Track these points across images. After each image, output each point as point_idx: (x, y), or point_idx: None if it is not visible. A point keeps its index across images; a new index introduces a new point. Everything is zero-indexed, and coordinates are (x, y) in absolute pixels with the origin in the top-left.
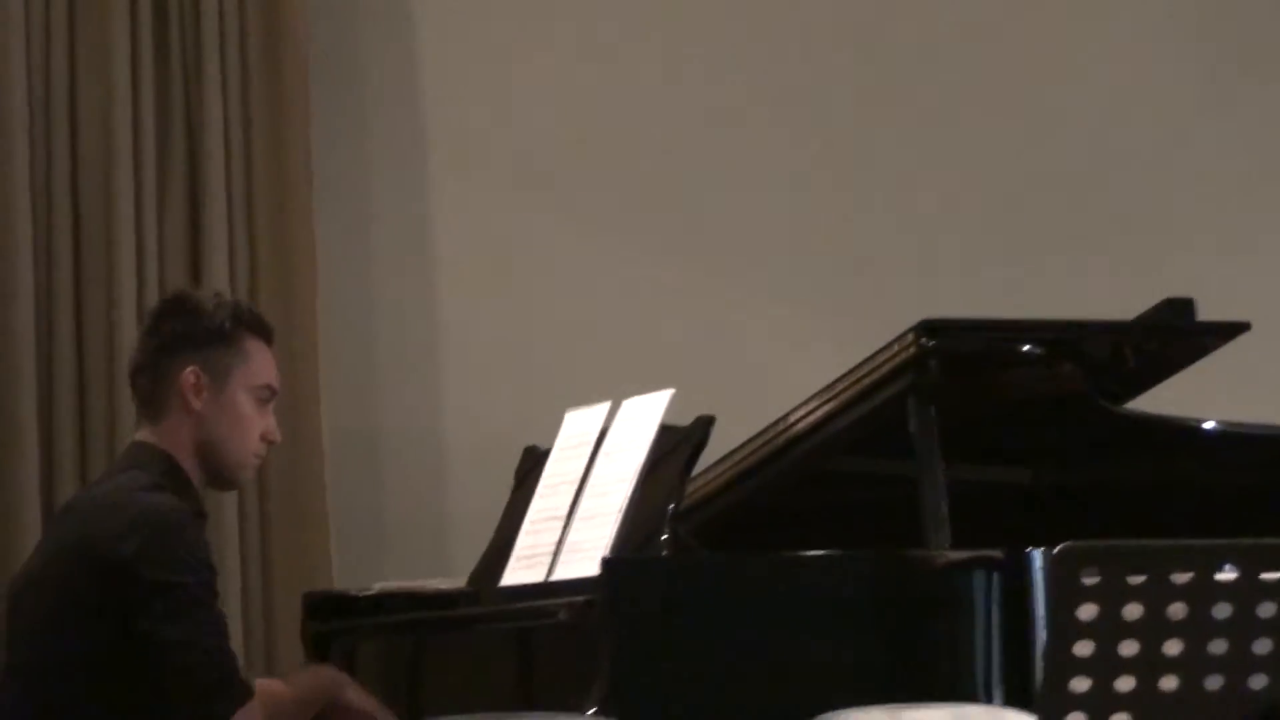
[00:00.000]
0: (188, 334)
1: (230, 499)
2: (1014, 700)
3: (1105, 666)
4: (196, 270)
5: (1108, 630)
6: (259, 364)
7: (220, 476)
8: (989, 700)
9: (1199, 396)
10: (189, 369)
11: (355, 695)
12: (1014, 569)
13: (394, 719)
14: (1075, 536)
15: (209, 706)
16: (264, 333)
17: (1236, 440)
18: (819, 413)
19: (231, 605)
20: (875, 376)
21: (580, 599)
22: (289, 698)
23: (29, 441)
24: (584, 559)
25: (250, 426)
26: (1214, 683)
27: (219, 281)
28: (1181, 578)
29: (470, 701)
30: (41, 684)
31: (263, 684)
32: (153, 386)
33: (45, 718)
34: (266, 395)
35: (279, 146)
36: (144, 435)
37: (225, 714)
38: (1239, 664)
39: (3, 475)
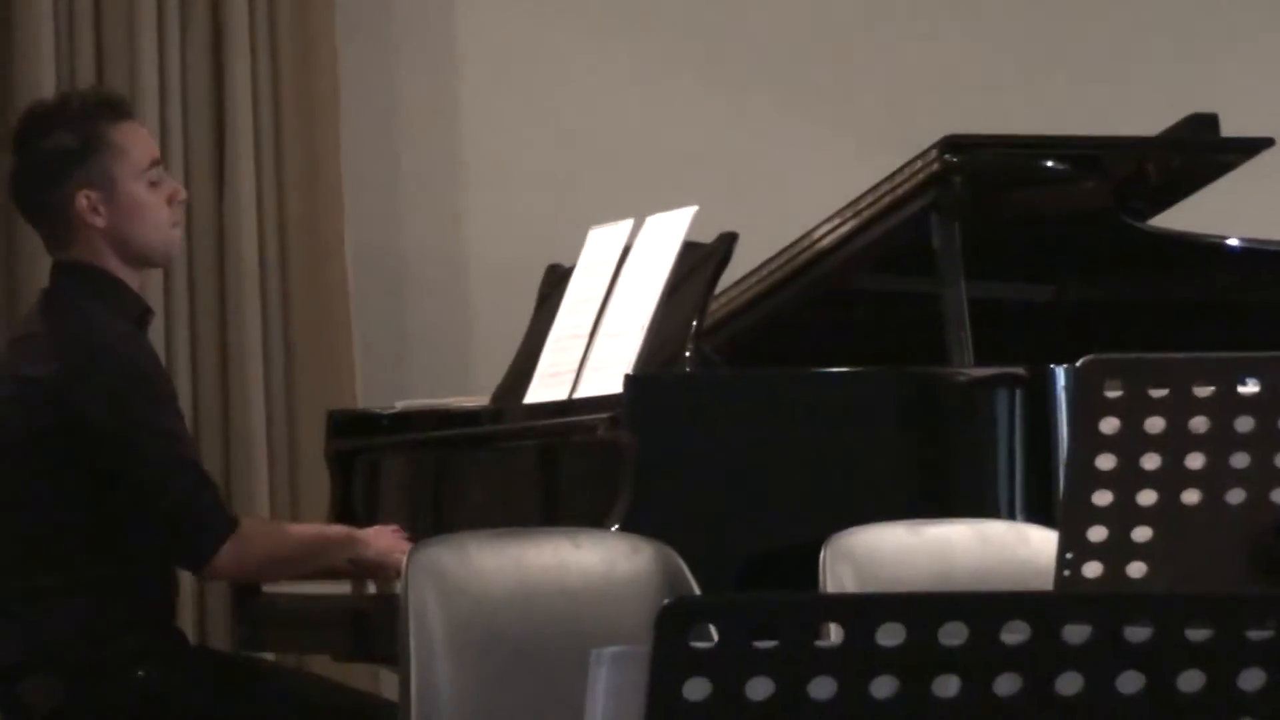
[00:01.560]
0: (57, 156)
1: (254, 320)
2: (1036, 516)
3: (1127, 480)
4: (219, 94)
5: (1130, 443)
6: (135, 148)
7: (151, 261)
8: (1011, 517)
9: (1222, 213)
10: (79, 194)
11: (369, 552)
12: (1037, 385)
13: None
14: (1100, 353)
15: (189, 545)
16: (123, 111)
17: (1260, 256)
18: (842, 229)
19: (255, 425)
20: (899, 193)
21: (604, 415)
22: (291, 547)
23: None
24: (607, 375)
25: (155, 207)
26: (1235, 496)
27: (240, 102)
28: (1204, 391)
29: (494, 518)
30: (18, 532)
31: (261, 526)
32: (50, 219)
33: (30, 567)
34: (156, 174)
35: None
36: (62, 255)
37: (207, 548)
38: (1261, 477)
39: None
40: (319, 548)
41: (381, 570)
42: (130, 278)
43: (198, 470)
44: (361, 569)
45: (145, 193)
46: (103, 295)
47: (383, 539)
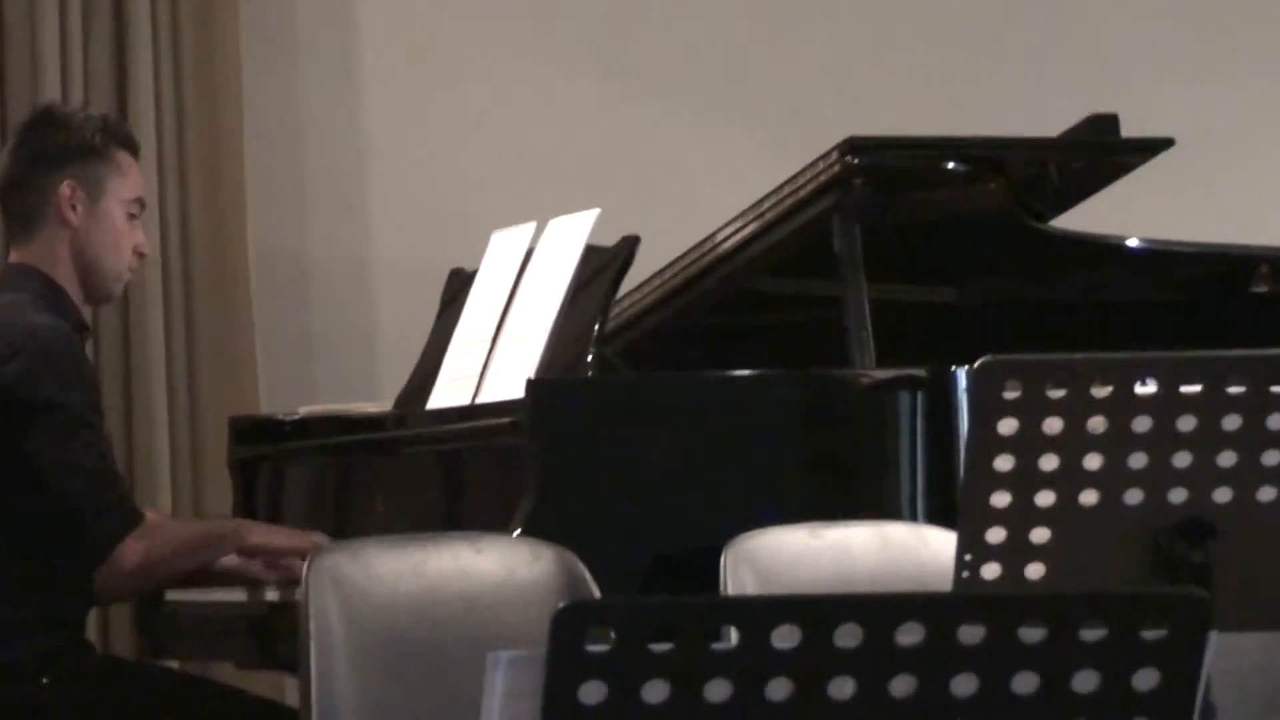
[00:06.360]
0: (61, 148)
1: (156, 324)
2: (937, 518)
3: (1025, 481)
4: (121, 98)
5: (1028, 444)
6: (131, 177)
7: (96, 290)
8: (914, 519)
9: (1123, 213)
10: (65, 183)
11: (262, 537)
12: (938, 387)
13: (314, 540)
14: (1001, 354)
15: (95, 531)
16: (132, 146)
17: (1160, 257)
18: (744, 232)
19: (158, 430)
20: (800, 195)
21: (506, 420)
22: (187, 538)
23: None
24: (510, 380)
25: (123, 240)
26: (1134, 496)
27: (144, 103)
28: (1101, 391)
29: (398, 524)
30: None
31: (161, 519)
32: (27, 202)
33: None
34: (137, 209)
35: None
36: (18, 255)
37: (113, 538)
38: (1158, 477)
39: None
40: (216, 538)
41: (275, 555)
42: (74, 292)
43: (111, 463)
44: (257, 555)
45: (121, 219)
46: (45, 297)
47: (275, 532)
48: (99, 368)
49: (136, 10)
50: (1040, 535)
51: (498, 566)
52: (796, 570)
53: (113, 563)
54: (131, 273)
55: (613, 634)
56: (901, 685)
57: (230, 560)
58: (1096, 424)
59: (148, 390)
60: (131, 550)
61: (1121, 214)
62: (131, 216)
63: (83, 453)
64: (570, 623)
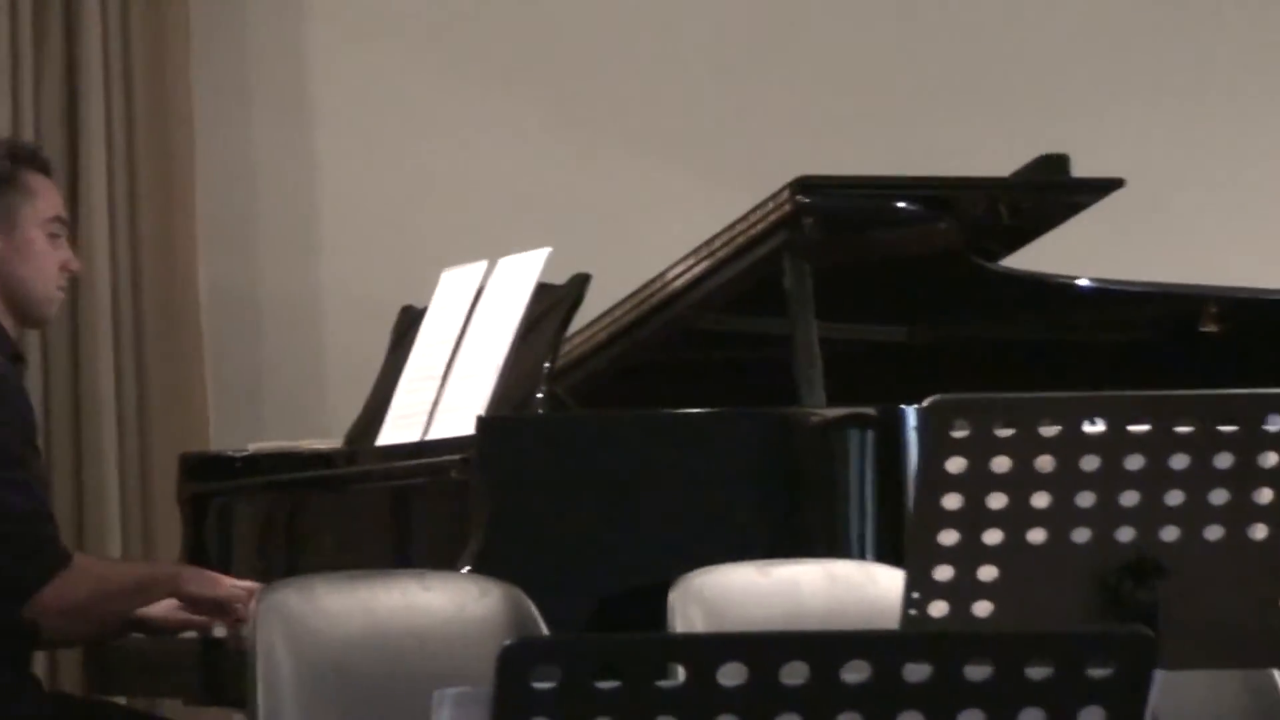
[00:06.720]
0: None
1: (106, 360)
2: (887, 557)
3: (973, 519)
4: (73, 134)
5: (976, 483)
6: (45, 199)
7: (29, 316)
8: (863, 556)
9: (1073, 253)
10: None
11: (198, 587)
12: (887, 425)
13: (247, 593)
14: (951, 393)
15: (19, 572)
16: (44, 167)
17: (1109, 297)
18: (695, 270)
19: (108, 467)
20: (751, 234)
21: (456, 457)
22: (118, 581)
23: None
24: (460, 417)
25: (47, 262)
26: (1081, 535)
27: (94, 141)
28: (1050, 430)
29: (347, 561)
30: None
31: (91, 561)
32: None
33: None
34: (58, 228)
35: (156, 5)
36: None
37: (35, 581)
38: (1106, 516)
39: None
40: (149, 581)
41: (212, 605)
42: (6, 321)
43: (40, 502)
44: (191, 605)
45: (43, 241)
46: None
47: (213, 580)
48: (48, 404)
49: (88, 50)
50: (988, 573)
51: (446, 603)
52: (744, 608)
53: (38, 605)
54: (62, 291)
55: (559, 671)
56: None
57: (162, 610)
58: (1045, 463)
59: (98, 426)
60: (56, 592)
61: (1071, 254)
62: (53, 236)
63: (8, 491)
64: (517, 660)
